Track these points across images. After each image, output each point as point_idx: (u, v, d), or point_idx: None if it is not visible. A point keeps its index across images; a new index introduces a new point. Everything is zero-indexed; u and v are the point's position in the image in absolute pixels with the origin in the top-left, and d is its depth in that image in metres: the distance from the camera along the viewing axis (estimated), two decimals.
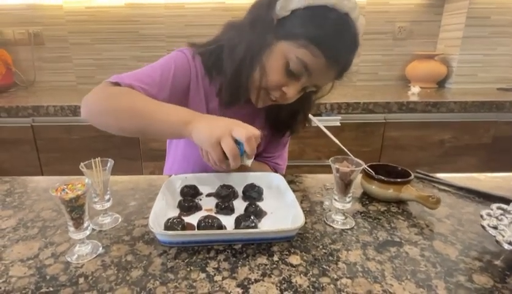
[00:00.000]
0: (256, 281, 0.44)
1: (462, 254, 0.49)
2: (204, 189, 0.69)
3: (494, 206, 0.54)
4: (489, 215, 0.52)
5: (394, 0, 1.97)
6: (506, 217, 0.51)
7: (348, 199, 0.57)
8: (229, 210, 0.60)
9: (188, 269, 0.46)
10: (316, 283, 0.43)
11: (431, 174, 0.76)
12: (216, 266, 0.47)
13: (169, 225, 0.52)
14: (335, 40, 0.63)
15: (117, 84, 0.68)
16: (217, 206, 0.61)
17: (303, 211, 0.54)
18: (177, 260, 0.48)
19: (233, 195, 0.66)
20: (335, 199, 0.58)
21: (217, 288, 0.42)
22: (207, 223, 0.52)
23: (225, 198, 0.65)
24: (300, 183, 0.75)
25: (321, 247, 0.51)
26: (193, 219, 0.57)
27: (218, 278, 0.44)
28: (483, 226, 0.49)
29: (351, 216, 0.60)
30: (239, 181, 0.69)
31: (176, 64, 0.73)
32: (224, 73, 0.71)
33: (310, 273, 0.45)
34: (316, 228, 0.56)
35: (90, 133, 1.48)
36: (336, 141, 0.66)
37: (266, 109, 0.78)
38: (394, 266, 0.47)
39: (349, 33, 0.64)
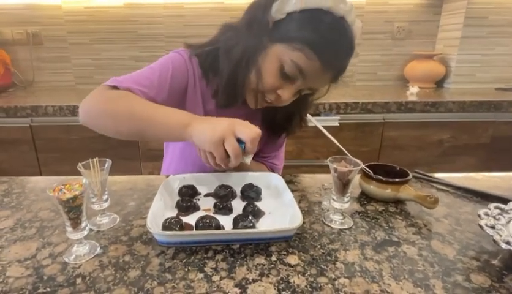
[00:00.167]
0: (254, 281, 0.44)
1: (460, 254, 0.50)
2: (203, 189, 0.69)
3: (492, 205, 0.54)
4: (486, 214, 0.52)
5: (392, 0, 1.98)
6: (504, 217, 0.51)
7: (346, 199, 0.57)
8: (228, 210, 0.60)
9: (186, 270, 0.46)
10: (314, 283, 0.43)
11: (429, 174, 0.76)
12: (214, 266, 0.47)
13: (167, 225, 0.52)
14: (331, 43, 0.63)
15: (115, 87, 0.67)
16: (215, 206, 0.61)
17: (301, 210, 0.54)
18: (175, 260, 0.48)
19: (231, 195, 0.66)
20: (333, 199, 0.58)
21: (215, 288, 0.42)
22: (205, 223, 0.52)
23: (223, 198, 0.64)
24: (298, 183, 0.75)
25: (319, 247, 0.51)
26: (191, 219, 0.57)
27: (216, 278, 0.44)
28: (481, 226, 0.50)
29: (349, 216, 0.60)
30: (237, 181, 0.69)
31: (174, 65, 0.73)
32: (220, 74, 0.71)
33: (308, 273, 0.45)
34: (314, 228, 0.56)
35: (89, 133, 1.46)
36: (334, 140, 0.66)
37: (262, 111, 0.78)
38: (392, 266, 0.47)
39: (344, 37, 0.64)
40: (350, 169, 0.54)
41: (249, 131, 0.57)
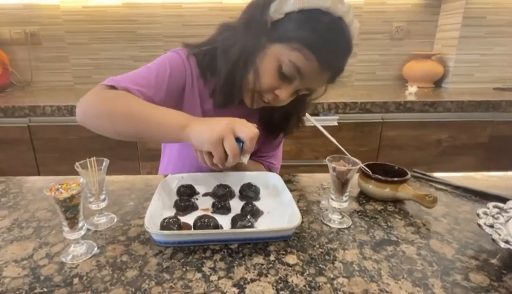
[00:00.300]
0: (252, 281, 0.43)
1: (459, 253, 0.49)
2: (201, 189, 0.68)
3: (490, 204, 0.54)
4: (485, 213, 0.52)
5: (391, 0, 1.98)
6: (503, 216, 0.51)
7: (344, 199, 0.57)
8: (226, 209, 0.60)
9: (184, 269, 0.46)
10: (312, 282, 0.43)
11: (428, 173, 0.76)
12: (212, 265, 0.46)
13: (165, 225, 0.52)
14: (329, 43, 0.62)
15: (112, 87, 0.67)
16: (213, 205, 0.61)
17: (300, 210, 0.54)
18: (173, 260, 0.47)
19: (230, 194, 0.65)
20: (332, 199, 0.57)
21: (213, 288, 0.42)
22: (204, 222, 0.52)
23: (221, 197, 0.64)
24: (297, 182, 0.75)
25: (317, 246, 0.51)
26: (189, 219, 0.56)
27: (214, 278, 0.44)
28: (479, 225, 0.49)
29: (347, 215, 0.60)
30: (235, 181, 0.69)
31: (171, 65, 0.73)
32: (218, 74, 0.71)
33: (307, 272, 0.45)
34: (313, 228, 0.56)
35: (88, 133, 1.45)
36: (333, 139, 0.66)
37: (260, 111, 0.78)
38: (391, 265, 0.47)
39: (342, 38, 0.64)
40: (349, 169, 0.54)
41: (248, 130, 0.57)
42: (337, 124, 1.50)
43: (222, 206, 0.60)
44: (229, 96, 0.72)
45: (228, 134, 0.55)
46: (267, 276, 0.44)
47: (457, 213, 0.61)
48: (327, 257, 0.48)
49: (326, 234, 0.54)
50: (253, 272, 0.45)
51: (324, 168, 0.75)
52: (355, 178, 0.70)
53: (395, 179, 0.64)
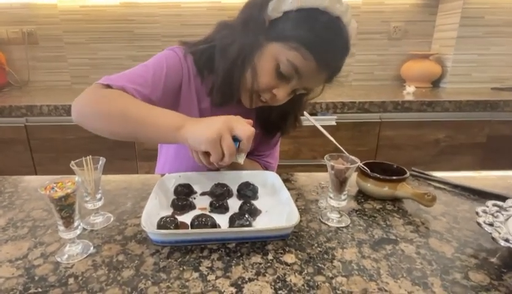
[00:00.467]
0: (250, 280, 0.43)
1: (458, 251, 0.49)
2: (198, 188, 0.68)
3: (490, 203, 0.54)
4: (484, 212, 0.52)
5: (389, 0, 1.98)
6: (502, 214, 0.51)
7: (343, 197, 0.56)
8: (224, 209, 0.59)
9: (181, 269, 0.45)
10: (311, 281, 0.43)
11: (426, 172, 0.76)
12: (209, 265, 0.46)
13: (162, 224, 0.51)
14: (326, 43, 0.62)
15: (108, 86, 0.66)
16: (211, 204, 0.61)
17: (298, 209, 0.53)
18: (169, 260, 0.47)
19: (228, 193, 0.65)
20: (330, 197, 0.57)
21: (210, 288, 0.42)
22: (201, 221, 0.51)
23: (219, 196, 0.64)
24: (295, 181, 0.74)
25: (316, 245, 0.50)
26: (186, 218, 0.56)
27: (211, 277, 0.43)
28: (479, 223, 0.49)
29: (346, 214, 0.59)
30: (233, 180, 0.68)
31: (168, 63, 0.72)
32: (216, 73, 0.70)
33: (305, 272, 0.44)
34: (311, 226, 0.56)
35: (85, 133, 1.44)
36: (331, 138, 0.66)
37: (257, 110, 0.77)
38: (390, 264, 0.46)
39: (340, 37, 0.63)
40: (347, 167, 0.54)
41: (245, 129, 0.56)
42: (335, 124, 1.50)
43: (219, 205, 0.60)
44: (227, 95, 0.72)
45: (225, 133, 0.55)
46: (265, 275, 0.44)
47: (456, 212, 0.61)
48: (325, 256, 0.48)
49: (325, 233, 0.54)
50: (251, 272, 0.44)
51: (322, 168, 0.74)
52: (353, 177, 0.70)
53: (394, 177, 0.64)
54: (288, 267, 0.45)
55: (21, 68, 2.00)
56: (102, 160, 0.56)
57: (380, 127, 1.55)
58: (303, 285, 0.42)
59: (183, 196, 0.63)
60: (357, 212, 0.61)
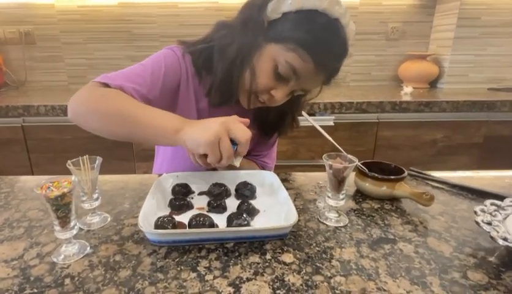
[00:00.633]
0: (248, 280, 0.43)
1: (456, 251, 0.49)
2: (196, 188, 0.67)
3: (488, 202, 0.54)
4: (482, 211, 0.52)
5: (386, 1, 1.99)
6: (500, 213, 0.51)
7: (341, 197, 0.56)
8: (222, 208, 0.59)
9: (179, 269, 0.45)
10: (309, 281, 0.42)
11: (424, 172, 0.76)
12: (207, 265, 0.45)
13: (160, 224, 0.51)
14: (325, 45, 0.62)
15: (106, 84, 0.65)
16: (209, 204, 0.60)
17: (296, 208, 0.53)
18: (167, 260, 0.47)
19: (226, 193, 0.65)
20: (328, 197, 0.57)
21: (208, 288, 0.41)
22: (199, 221, 0.51)
23: (217, 196, 0.63)
24: (293, 181, 0.74)
25: (314, 244, 0.50)
26: (184, 218, 0.55)
27: (209, 277, 0.43)
28: (477, 222, 0.49)
29: (344, 214, 0.59)
30: (231, 179, 0.68)
31: (166, 62, 0.72)
32: (214, 73, 0.70)
33: (304, 271, 0.44)
34: (309, 226, 0.56)
35: (82, 133, 1.43)
36: (329, 137, 0.65)
37: (254, 110, 0.77)
38: (388, 263, 0.46)
39: (338, 39, 0.63)
40: (345, 166, 0.54)
41: (242, 133, 0.55)
42: (333, 124, 1.50)
43: (217, 204, 0.59)
44: (225, 95, 0.71)
45: (223, 135, 0.54)
46: (263, 275, 0.43)
47: (454, 211, 0.61)
48: (324, 256, 0.48)
49: (323, 232, 0.54)
50: (249, 271, 0.44)
51: (320, 168, 0.74)
52: (352, 176, 0.69)
53: (392, 177, 0.64)
54: (287, 267, 0.45)
55: (18, 68, 1.99)
56: (99, 160, 0.55)
57: (377, 127, 1.55)
58: (301, 285, 0.42)
59: (180, 196, 0.63)
60: (356, 212, 0.61)
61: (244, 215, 0.53)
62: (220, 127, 0.54)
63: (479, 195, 0.67)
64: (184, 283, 0.42)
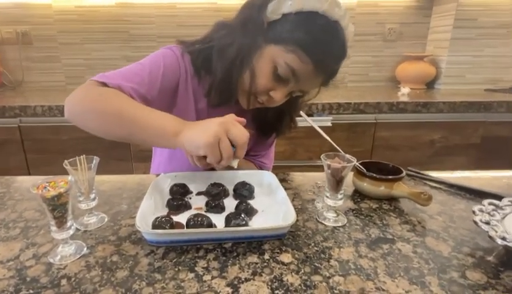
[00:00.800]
0: (246, 280, 0.42)
1: (455, 250, 0.49)
2: (194, 188, 0.67)
3: (486, 201, 0.54)
4: (481, 211, 0.52)
5: (383, 2, 1.99)
6: (498, 213, 0.51)
7: (339, 196, 0.56)
8: (220, 208, 0.59)
9: (176, 269, 0.44)
10: (308, 281, 0.42)
11: (422, 172, 0.76)
12: (205, 265, 0.45)
13: (157, 224, 0.51)
14: (324, 46, 0.62)
15: (104, 84, 0.64)
16: (207, 204, 0.60)
17: (294, 208, 0.53)
18: (164, 260, 0.46)
19: (224, 193, 0.64)
20: (326, 197, 0.57)
21: (206, 288, 0.41)
22: (197, 221, 0.51)
23: (215, 196, 0.63)
24: (291, 181, 0.74)
25: (312, 244, 0.50)
26: (182, 218, 0.55)
27: (207, 278, 0.43)
28: (475, 222, 0.49)
29: (343, 214, 0.59)
30: (229, 179, 0.67)
31: (165, 62, 0.71)
32: (213, 73, 0.70)
33: (302, 271, 0.44)
34: (307, 226, 0.55)
35: (80, 133, 1.44)
36: (326, 137, 0.65)
37: (253, 111, 0.77)
38: (387, 263, 0.46)
39: (338, 41, 0.63)
40: (344, 166, 0.53)
41: (241, 135, 0.55)
42: (330, 125, 1.50)
43: (215, 204, 0.59)
44: (225, 96, 0.71)
45: (222, 135, 0.54)
46: (261, 275, 0.43)
47: (452, 211, 0.61)
48: (322, 255, 0.47)
49: (321, 232, 0.54)
50: (247, 272, 0.44)
51: (318, 169, 0.74)
52: (350, 176, 0.69)
53: (390, 177, 0.64)
54: (285, 267, 0.45)
55: (14, 68, 1.97)
56: (96, 160, 0.55)
57: (375, 127, 1.55)
58: (300, 285, 0.42)
59: (178, 196, 0.62)
60: (354, 212, 0.61)
61: (242, 215, 0.53)
62: (219, 128, 0.54)
63: (477, 194, 0.67)
64: (182, 284, 0.42)
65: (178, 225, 0.53)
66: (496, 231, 0.46)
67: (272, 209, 0.59)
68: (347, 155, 0.57)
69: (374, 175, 0.64)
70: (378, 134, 1.56)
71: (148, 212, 0.55)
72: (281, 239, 0.51)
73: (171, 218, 0.52)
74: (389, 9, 2.01)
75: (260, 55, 0.65)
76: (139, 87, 0.66)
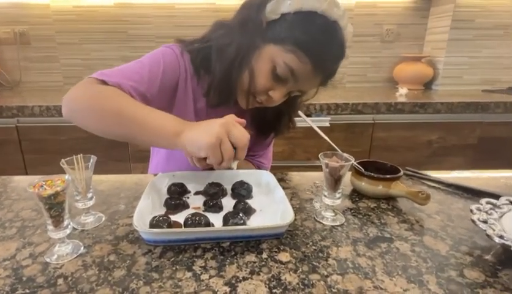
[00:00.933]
0: (244, 279, 0.42)
1: (453, 249, 0.49)
2: (192, 187, 0.67)
3: (483, 200, 0.54)
4: (478, 209, 0.52)
5: (381, 3, 2.00)
6: (496, 212, 0.51)
7: (337, 196, 0.56)
8: (218, 208, 0.59)
9: (174, 268, 0.44)
10: (306, 280, 0.42)
11: (420, 172, 0.76)
12: (203, 264, 0.45)
13: (155, 223, 0.50)
14: (323, 46, 0.62)
15: (103, 81, 0.63)
16: (205, 203, 0.60)
17: (293, 208, 0.53)
18: (162, 259, 0.46)
19: (222, 192, 0.64)
20: (324, 196, 0.57)
21: (204, 287, 0.41)
22: (195, 220, 0.51)
23: (213, 195, 0.63)
24: (289, 181, 0.74)
25: (311, 243, 0.50)
26: (180, 217, 0.55)
27: (205, 277, 0.43)
28: (473, 221, 0.49)
29: (341, 213, 0.59)
30: (228, 179, 0.67)
31: (165, 60, 0.71)
32: (213, 73, 0.70)
33: (300, 270, 0.44)
34: (306, 225, 0.55)
35: (78, 134, 1.45)
36: (324, 136, 0.65)
37: (251, 110, 0.77)
38: (385, 262, 0.46)
39: (336, 41, 0.64)
40: (342, 165, 0.53)
41: (242, 137, 0.55)
42: (329, 125, 1.50)
43: (213, 204, 0.59)
44: (224, 96, 0.71)
45: (224, 137, 0.54)
46: (259, 274, 0.43)
47: (450, 210, 0.61)
48: (320, 254, 0.47)
49: (319, 231, 0.54)
50: (245, 271, 0.44)
51: (316, 169, 0.74)
52: (348, 176, 0.69)
53: (388, 176, 0.64)
54: (283, 266, 0.45)
55: (12, 68, 1.97)
56: (93, 159, 0.55)
57: (373, 128, 1.56)
58: (298, 284, 0.41)
59: (176, 196, 0.62)
60: (352, 211, 0.61)
61: (240, 215, 0.53)
62: (221, 129, 0.54)
63: (475, 194, 0.67)
64: (179, 283, 0.41)
65: (176, 225, 0.53)
66: (494, 230, 0.46)
67: (270, 209, 0.59)
68: (345, 154, 0.57)
69: (372, 174, 0.64)
70: (376, 134, 1.56)
71: (146, 211, 0.55)
72: (279, 238, 0.51)
73: (169, 218, 0.52)
74: (387, 10, 2.02)
75: (259, 55, 0.65)
76: (139, 85, 0.66)
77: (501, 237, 0.44)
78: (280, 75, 0.64)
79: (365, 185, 0.65)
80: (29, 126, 1.46)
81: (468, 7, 1.82)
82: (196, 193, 0.66)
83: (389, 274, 0.43)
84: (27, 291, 0.40)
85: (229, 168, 0.65)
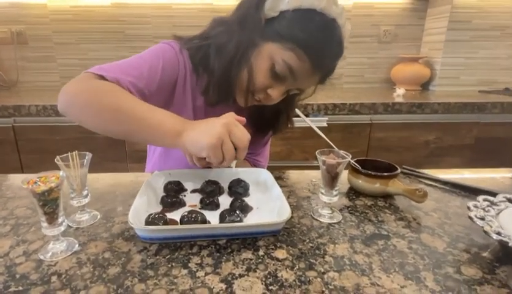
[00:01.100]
0: (240, 276, 0.42)
1: (450, 246, 0.49)
2: (189, 185, 0.67)
3: (480, 198, 0.54)
4: (475, 206, 0.52)
5: (379, 4, 2.01)
6: (493, 209, 0.51)
7: (334, 193, 0.56)
8: (214, 205, 0.58)
9: (170, 266, 0.44)
10: (302, 277, 0.42)
11: (417, 170, 0.76)
12: (199, 261, 0.45)
13: (151, 221, 0.50)
14: (321, 44, 0.62)
15: (101, 76, 0.62)
16: (201, 201, 0.59)
17: (290, 205, 0.53)
18: (157, 257, 0.46)
19: (219, 190, 0.64)
20: (322, 193, 0.57)
21: (199, 284, 0.40)
22: (191, 218, 0.50)
23: (210, 193, 0.63)
24: (287, 179, 0.74)
25: (307, 241, 0.50)
26: (176, 215, 0.54)
27: (200, 274, 0.42)
28: (470, 218, 0.49)
29: (338, 210, 0.59)
30: (224, 177, 0.67)
31: (164, 56, 0.70)
32: (211, 71, 0.69)
33: (297, 267, 0.44)
34: (303, 223, 0.55)
35: (74, 134, 1.44)
36: (321, 133, 0.65)
37: (250, 108, 0.77)
38: (382, 259, 0.46)
39: (335, 39, 0.64)
40: (339, 162, 0.53)
41: (242, 137, 0.55)
42: (326, 125, 1.50)
43: (210, 202, 0.58)
44: (222, 94, 0.70)
45: (226, 137, 0.53)
46: (256, 271, 0.43)
47: (447, 208, 0.61)
48: (317, 252, 0.47)
49: (316, 229, 0.53)
50: (241, 268, 0.43)
51: (314, 169, 0.74)
52: (345, 174, 0.69)
53: (385, 174, 0.64)
54: (280, 263, 0.44)
55: (9, 68, 1.95)
56: (88, 156, 0.54)
57: (370, 128, 1.56)
58: (294, 281, 0.41)
59: (173, 193, 0.62)
60: (349, 209, 0.60)
61: (237, 212, 0.52)
62: (223, 129, 0.53)
63: (472, 192, 0.67)
64: (175, 280, 0.41)
65: (172, 222, 0.52)
66: (491, 226, 0.46)
67: (267, 206, 0.58)
68: (342, 152, 0.57)
69: (369, 172, 0.64)
70: (373, 135, 1.57)
71: (141, 209, 0.54)
72: (276, 236, 0.51)
73: (165, 215, 0.52)
74: (384, 11, 2.02)
75: (258, 52, 0.65)
76: (138, 81, 0.65)
77: (498, 233, 0.44)
78: (278, 73, 0.64)
79: (362, 183, 0.65)
80: (26, 126, 1.45)
81: (465, 8, 1.83)
82: (193, 191, 0.65)
83: (386, 270, 0.43)
84: (21, 288, 0.40)
85: (228, 167, 0.64)
